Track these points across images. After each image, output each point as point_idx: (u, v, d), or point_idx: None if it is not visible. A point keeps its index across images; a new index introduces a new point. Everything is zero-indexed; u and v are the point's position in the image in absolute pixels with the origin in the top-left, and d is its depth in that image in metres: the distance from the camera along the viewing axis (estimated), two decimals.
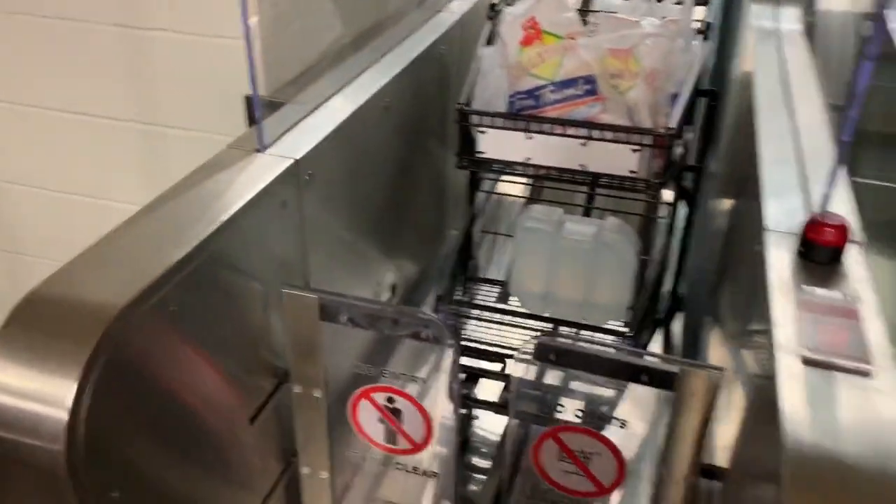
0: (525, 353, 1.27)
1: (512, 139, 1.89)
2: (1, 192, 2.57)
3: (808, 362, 1.00)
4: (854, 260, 1.20)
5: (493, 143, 1.91)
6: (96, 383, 1.04)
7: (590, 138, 1.84)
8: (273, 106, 1.58)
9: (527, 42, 1.88)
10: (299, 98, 1.68)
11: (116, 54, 2.21)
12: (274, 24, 1.71)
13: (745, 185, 1.56)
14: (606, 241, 2.01)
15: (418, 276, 2.39)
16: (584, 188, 2.04)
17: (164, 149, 2.29)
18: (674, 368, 1.16)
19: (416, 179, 2.32)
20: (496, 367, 2.04)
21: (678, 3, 1.96)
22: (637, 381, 1.20)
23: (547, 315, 2.09)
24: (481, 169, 1.95)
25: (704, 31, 2.00)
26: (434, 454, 1.50)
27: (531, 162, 1.90)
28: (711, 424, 1.17)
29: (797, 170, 1.43)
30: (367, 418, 1.46)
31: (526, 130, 1.87)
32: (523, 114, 1.88)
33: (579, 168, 1.88)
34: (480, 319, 2.08)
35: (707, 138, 2.23)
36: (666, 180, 1.89)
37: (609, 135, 1.82)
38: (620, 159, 1.84)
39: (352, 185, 1.81)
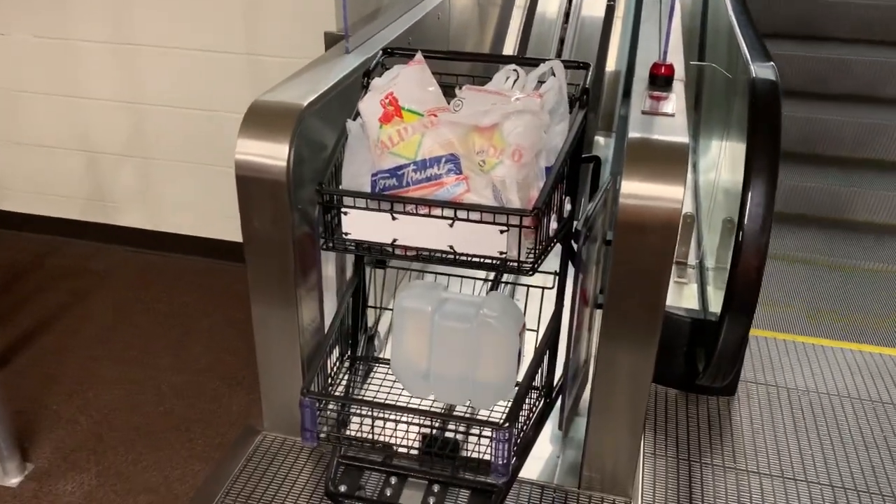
0: None
1: (377, 220, 1.53)
2: (142, 113, 3.09)
3: (644, 112, 1.77)
4: (678, 85, 1.95)
5: (358, 224, 1.55)
6: (294, 147, 1.71)
7: (455, 219, 1.44)
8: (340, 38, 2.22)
9: (386, 119, 1.51)
10: (357, 34, 2.26)
11: (233, 7, 2.81)
12: None
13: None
14: (487, 322, 1.64)
15: None
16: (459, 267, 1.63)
17: (263, 72, 2.88)
18: None
19: None
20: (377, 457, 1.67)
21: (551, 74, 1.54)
22: None
23: (420, 407, 1.71)
24: (348, 251, 1.56)
25: (580, 98, 1.59)
26: None
27: (398, 243, 1.53)
28: None
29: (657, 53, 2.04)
30: None
31: (390, 211, 1.48)
32: (386, 194, 1.50)
33: (448, 249, 1.48)
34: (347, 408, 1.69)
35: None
36: (539, 258, 1.50)
37: (475, 216, 1.45)
38: (488, 240, 1.50)
39: None
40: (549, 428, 2.03)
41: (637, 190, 1.59)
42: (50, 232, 3.39)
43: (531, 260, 1.52)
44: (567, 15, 3.78)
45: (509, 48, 3.85)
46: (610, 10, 3.84)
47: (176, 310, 2.92)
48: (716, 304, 2.30)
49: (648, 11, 2.78)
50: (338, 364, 1.94)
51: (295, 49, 2.74)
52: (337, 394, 1.88)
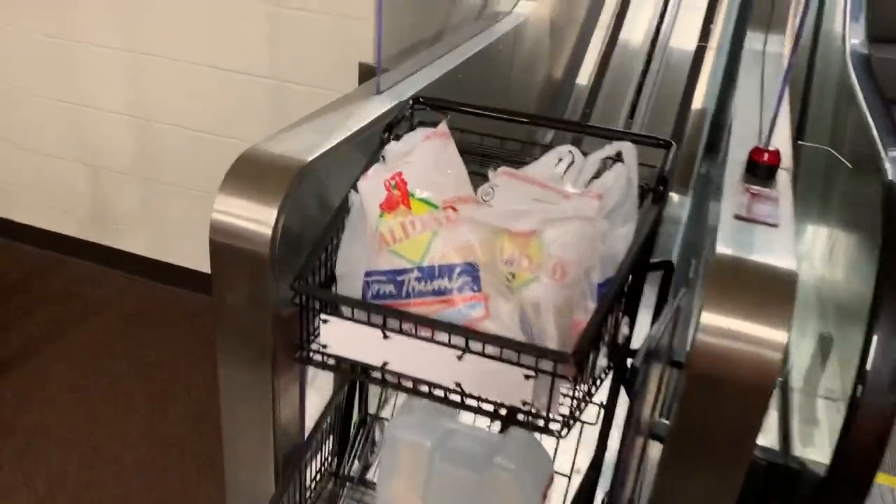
0: None
1: (364, 335, 1.18)
2: (153, 130, 2.81)
3: (737, 217, 1.37)
4: (783, 177, 1.53)
5: (340, 337, 1.20)
6: (286, 212, 1.40)
7: (466, 350, 1.07)
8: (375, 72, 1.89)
9: (389, 206, 1.14)
10: (398, 68, 2.00)
11: (261, 25, 2.50)
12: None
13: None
14: (501, 475, 1.25)
15: None
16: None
17: (287, 100, 2.57)
18: None
19: None
20: None
21: (617, 159, 1.15)
22: None
23: None
24: (326, 367, 1.20)
25: (655, 189, 1.21)
26: None
27: (389, 368, 1.15)
28: None
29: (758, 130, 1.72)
30: None
31: (381, 327, 1.11)
32: (378, 304, 1.13)
33: (454, 388, 1.11)
34: None
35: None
36: (575, 413, 1.11)
37: (492, 350, 1.06)
38: (508, 384, 1.13)
39: None
40: None
41: (722, 324, 1.18)
42: (44, 246, 3.14)
43: (564, 417, 1.14)
44: (650, 56, 3.42)
45: (584, 77, 3.56)
46: (700, 50, 3.50)
47: (164, 357, 2.61)
48: (802, 444, 1.88)
49: (748, 63, 2.36)
50: (317, 480, 1.60)
51: (327, 78, 2.44)
52: None
